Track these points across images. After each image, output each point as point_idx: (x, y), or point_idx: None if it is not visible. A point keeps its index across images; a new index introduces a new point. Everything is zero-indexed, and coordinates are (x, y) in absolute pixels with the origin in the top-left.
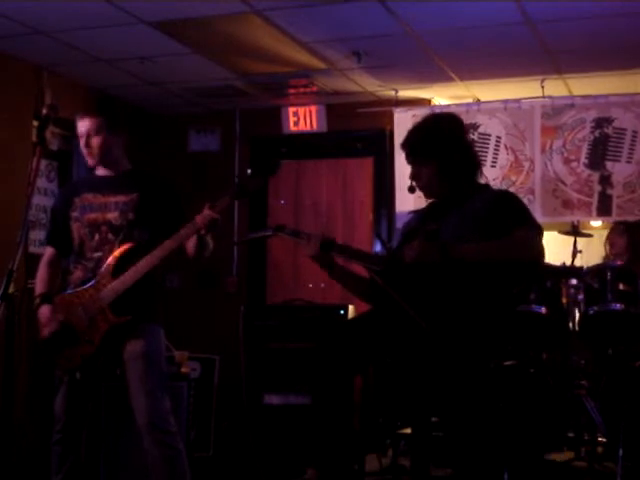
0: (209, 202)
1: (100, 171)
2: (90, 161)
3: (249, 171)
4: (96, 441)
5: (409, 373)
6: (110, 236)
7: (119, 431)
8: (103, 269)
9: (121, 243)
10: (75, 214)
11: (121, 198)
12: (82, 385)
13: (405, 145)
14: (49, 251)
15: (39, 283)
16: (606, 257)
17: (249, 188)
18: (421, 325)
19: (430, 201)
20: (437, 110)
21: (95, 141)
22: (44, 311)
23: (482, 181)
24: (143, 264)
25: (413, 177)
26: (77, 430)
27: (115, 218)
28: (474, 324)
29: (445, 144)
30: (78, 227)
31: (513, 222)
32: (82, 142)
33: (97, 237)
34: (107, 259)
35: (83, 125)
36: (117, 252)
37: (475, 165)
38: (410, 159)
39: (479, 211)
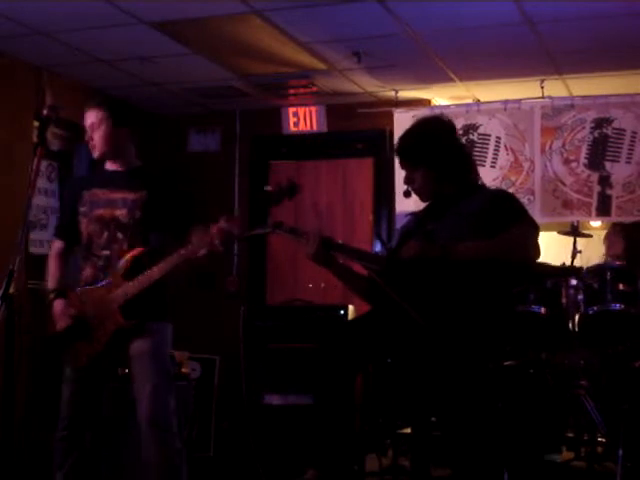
0: (226, 214)
1: (109, 165)
2: (94, 153)
3: (268, 188)
4: (98, 439)
5: (409, 373)
6: (119, 235)
7: (121, 430)
8: (116, 270)
9: (130, 241)
10: (84, 209)
11: (129, 195)
12: (88, 383)
13: (396, 151)
14: (57, 244)
15: (51, 278)
16: (605, 256)
17: (267, 206)
18: (421, 325)
19: (427, 203)
20: (437, 111)
21: (98, 133)
22: (58, 305)
23: (479, 181)
24: (156, 271)
25: (407, 181)
26: (82, 428)
27: (123, 215)
28: (474, 324)
29: (431, 148)
30: (86, 223)
31: (510, 220)
32: (87, 135)
33: (106, 234)
34: (117, 258)
35: (87, 117)
36: (132, 255)
37: (468, 166)
38: (402, 164)
39: (476, 211)
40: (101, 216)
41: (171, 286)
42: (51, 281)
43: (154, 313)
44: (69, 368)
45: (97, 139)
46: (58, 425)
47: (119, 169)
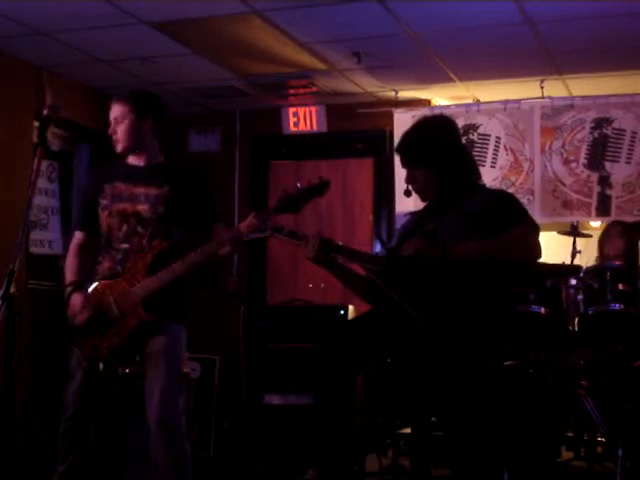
0: (255, 211)
1: (132, 159)
2: (117, 147)
3: (298, 185)
4: (99, 439)
5: (409, 373)
6: (139, 229)
7: (122, 430)
8: (138, 264)
9: (151, 237)
10: (105, 202)
11: (152, 190)
12: (100, 378)
13: (397, 150)
14: (78, 236)
15: (69, 270)
16: (602, 258)
17: (298, 204)
18: (422, 325)
19: (427, 203)
20: (437, 111)
21: (121, 127)
22: (76, 299)
23: (480, 181)
24: (180, 266)
25: (408, 181)
26: (86, 422)
27: (145, 210)
28: (474, 324)
29: (435, 148)
30: (106, 216)
31: (511, 220)
32: (110, 129)
33: (125, 228)
34: (136, 252)
35: (111, 111)
36: (156, 249)
37: (469, 166)
38: (404, 163)
39: (476, 211)
40: (123, 210)
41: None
42: (69, 274)
43: (174, 313)
44: (81, 358)
45: (120, 133)
46: (62, 417)
47: (142, 164)
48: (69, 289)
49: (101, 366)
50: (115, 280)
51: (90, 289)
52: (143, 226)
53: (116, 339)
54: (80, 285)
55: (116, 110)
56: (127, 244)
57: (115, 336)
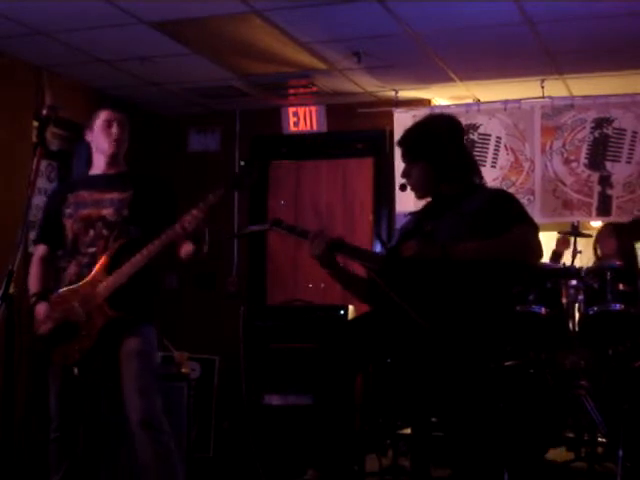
0: (201, 201)
1: (96, 169)
2: (111, 148)
3: (242, 163)
4: (95, 441)
5: (409, 373)
6: (105, 232)
7: (119, 431)
8: (99, 265)
9: (116, 239)
10: (69, 210)
11: (116, 195)
12: (79, 382)
13: (399, 143)
14: (41, 248)
15: (33, 281)
16: (597, 259)
17: (245, 181)
18: (422, 325)
19: (426, 202)
20: (437, 110)
21: (123, 135)
22: (40, 309)
23: (481, 182)
24: (136, 260)
25: (404, 175)
26: (73, 428)
27: (110, 214)
28: (475, 324)
29: (436, 145)
30: (71, 223)
31: (511, 220)
32: (108, 128)
33: (92, 233)
34: (101, 254)
35: (111, 114)
36: (111, 249)
37: (469, 166)
38: (403, 157)
39: (476, 211)
40: (88, 215)
41: (166, 289)
42: (33, 284)
43: (144, 314)
44: (56, 367)
45: (120, 138)
46: (50, 427)
47: (107, 172)
48: (33, 299)
49: (75, 371)
50: (78, 285)
51: (54, 297)
52: (108, 229)
53: (86, 340)
54: (44, 295)
55: (121, 118)
56: (94, 248)
57: (85, 338)
